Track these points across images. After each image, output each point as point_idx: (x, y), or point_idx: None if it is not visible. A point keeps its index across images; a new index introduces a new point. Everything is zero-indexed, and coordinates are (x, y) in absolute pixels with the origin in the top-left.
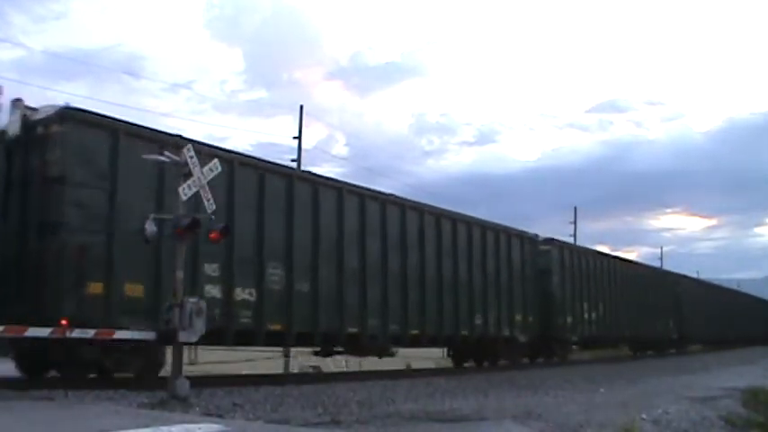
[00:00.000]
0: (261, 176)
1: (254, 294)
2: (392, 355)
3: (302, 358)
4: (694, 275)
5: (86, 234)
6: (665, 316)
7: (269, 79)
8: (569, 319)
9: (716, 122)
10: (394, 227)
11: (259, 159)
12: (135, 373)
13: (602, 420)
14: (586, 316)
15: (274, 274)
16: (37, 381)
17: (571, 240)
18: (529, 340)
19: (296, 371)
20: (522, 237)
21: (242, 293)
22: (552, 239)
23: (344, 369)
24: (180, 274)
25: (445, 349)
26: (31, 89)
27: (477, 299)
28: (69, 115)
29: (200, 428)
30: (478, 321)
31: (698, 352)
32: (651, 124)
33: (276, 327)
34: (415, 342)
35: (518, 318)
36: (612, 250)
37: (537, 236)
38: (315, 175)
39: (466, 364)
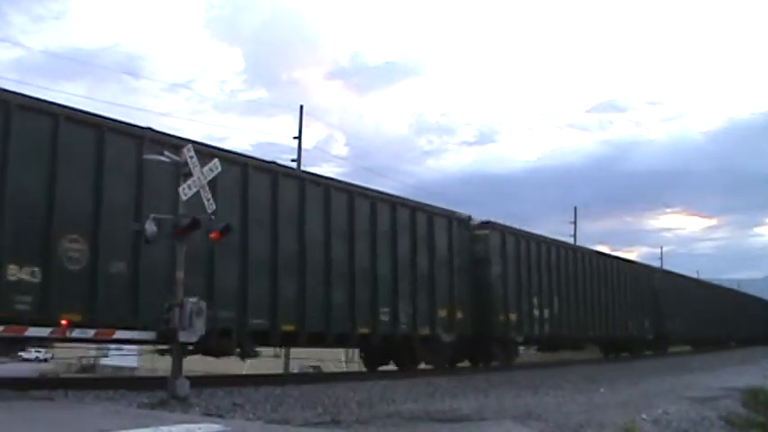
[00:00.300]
0: (54, 126)
1: (39, 275)
2: (255, 355)
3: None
4: (694, 275)
5: None
6: (640, 314)
7: (269, 79)
8: (513, 317)
9: (716, 122)
10: (261, 198)
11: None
12: None
13: (602, 420)
14: (537, 313)
15: (73, 249)
16: (37, 381)
17: (571, 240)
18: (456, 340)
19: (296, 371)
20: (450, 217)
21: (18, 272)
22: (490, 222)
23: (344, 369)
24: (180, 274)
25: (355, 350)
26: (31, 89)
27: (383, 289)
28: None
29: (200, 428)
30: (385, 317)
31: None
32: (651, 124)
33: (74, 317)
34: (291, 340)
35: (442, 313)
36: (613, 250)
37: (470, 217)
38: (131, 126)
39: (382, 368)
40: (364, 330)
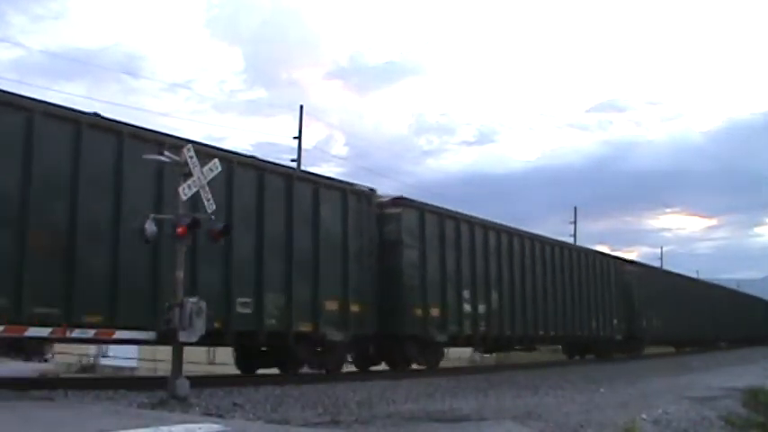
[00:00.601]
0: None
1: None
2: (45, 358)
3: None
4: (694, 275)
5: None
6: (607, 311)
7: (268, 79)
8: (434, 312)
9: (716, 122)
10: (54, 153)
11: None
12: None
13: (602, 420)
14: (468, 308)
15: None
16: (37, 381)
17: (571, 240)
18: (351, 339)
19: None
20: (346, 190)
21: None
22: (403, 198)
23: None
24: (180, 274)
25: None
26: (31, 89)
27: (242, 274)
28: None
29: (200, 428)
30: (244, 309)
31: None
32: (651, 124)
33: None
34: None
35: (330, 306)
36: (612, 250)
37: (374, 191)
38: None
39: (261, 371)
40: (213, 325)
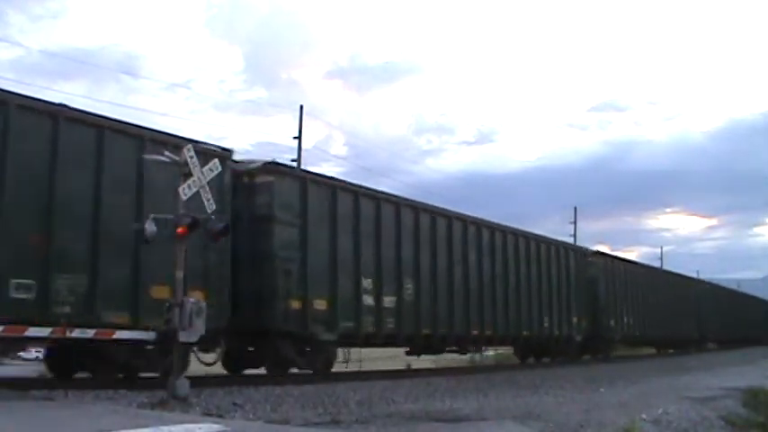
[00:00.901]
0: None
1: None
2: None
3: None
4: (694, 275)
5: None
6: (564, 308)
7: (268, 79)
8: (320, 305)
9: (716, 122)
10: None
11: None
12: None
13: (602, 420)
14: (369, 301)
15: None
16: (37, 381)
17: (571, 241)
18: (208, 334)
19: (296, 371)
20: (195, 148)
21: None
22: (278, 164)
23: (345, 369)
24: (180, 275)
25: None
26: (30, 89)
27: (17, 247)
28: None
29: (200, 428)
30: (21, 293)
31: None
32: (651, 124)
33: None
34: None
35: (158, 293)
36: (612, 250)
37: (230, 151)
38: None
39: (78, 375)
40: None
